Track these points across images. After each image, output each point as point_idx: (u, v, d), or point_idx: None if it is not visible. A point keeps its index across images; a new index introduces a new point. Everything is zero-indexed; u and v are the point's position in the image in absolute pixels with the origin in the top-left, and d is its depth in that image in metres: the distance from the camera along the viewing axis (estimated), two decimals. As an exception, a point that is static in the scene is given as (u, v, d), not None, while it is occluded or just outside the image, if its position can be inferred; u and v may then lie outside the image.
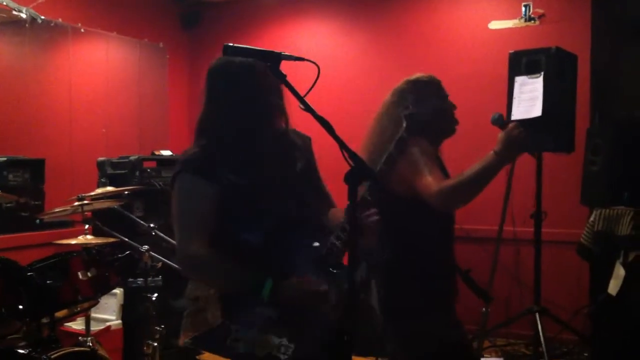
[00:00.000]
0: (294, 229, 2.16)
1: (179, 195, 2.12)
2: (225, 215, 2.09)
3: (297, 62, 1.94)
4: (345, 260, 2.08)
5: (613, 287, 3.89)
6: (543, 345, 4.08)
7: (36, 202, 4.69)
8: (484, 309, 4.29)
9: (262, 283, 2.00)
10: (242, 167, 2.12)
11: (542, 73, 4.17)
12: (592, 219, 4.10)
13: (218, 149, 2.13)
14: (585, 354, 4.68)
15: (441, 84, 2.90)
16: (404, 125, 2.20)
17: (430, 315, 2.56)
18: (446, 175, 2.64)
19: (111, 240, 3.56)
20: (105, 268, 3.20)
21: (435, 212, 2.50)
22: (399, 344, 2.58)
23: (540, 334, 4.12)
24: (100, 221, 3.69)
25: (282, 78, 1.91)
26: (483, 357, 4.79)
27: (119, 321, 4.39)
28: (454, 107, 2.83)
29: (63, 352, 2.87)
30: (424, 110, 2.33)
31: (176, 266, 3.79)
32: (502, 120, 2.54)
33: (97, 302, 3.33)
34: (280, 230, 2.13)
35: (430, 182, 2.47)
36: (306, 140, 2.35)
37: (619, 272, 3.89)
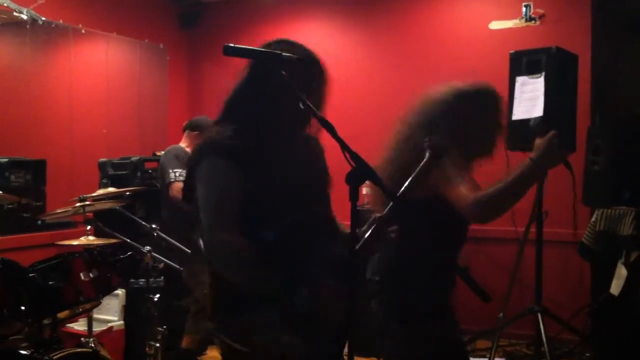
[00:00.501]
0: (313, 232, 2.13)
1: (212, 178, 2.03)
2: (248, 208, 2.02)
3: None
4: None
5: (615, 287, 3.89)
6: (545, 345, 4.08)
7: (38, 203, 4.70)
8: (500, 315, 4.28)
9: (290, 288, 1.95)
10: (273, 162, 2.07)
11: (543, 73, 4.17)
12: (593, 219, 4.10)
13: (252, 137, 2.05)
14: (587, 354, 4.67)
15: (493, 99, 2.65)
16: (427, 155, 2.14)
17: (437, 317, 2.54)
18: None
19: (113, 241, 3.57)
20: (107, 269, 3.20)
21: (454, 216, 2.39)
22: (404, 345, 2.57)
23: (542, 333, 4.12)
24: (102, 222, 3.70)
25: (282, 79, 1.91)
26: (484, 357, 4.79)
27: (121, 322, 4.39)
28: (499, 131, 2.61)
29: (65, 353, 2.87)
30: (455, 142, 2.26)
31: (177, 266, 3.82)
32: (542, 125, 2.41)
33: (99, 303, 3.33)
34: (299, 232, 2.08)
35: (464, 192, 2.30)
36: (322, 148, 2.31)
37: (621, 272, 3.89)
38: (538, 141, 2.39)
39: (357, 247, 2.02)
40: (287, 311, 1.96)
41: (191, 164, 2.10)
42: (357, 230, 1.94)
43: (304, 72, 2.08)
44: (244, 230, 2.00)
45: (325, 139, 1.99)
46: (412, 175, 2.14)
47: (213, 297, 2.13)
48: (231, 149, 2.02)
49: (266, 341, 1.97)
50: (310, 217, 2.14)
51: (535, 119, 2.43)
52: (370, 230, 2.08)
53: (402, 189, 2.12)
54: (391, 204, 2.02)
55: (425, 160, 2.16)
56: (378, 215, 2.10)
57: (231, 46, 1.90)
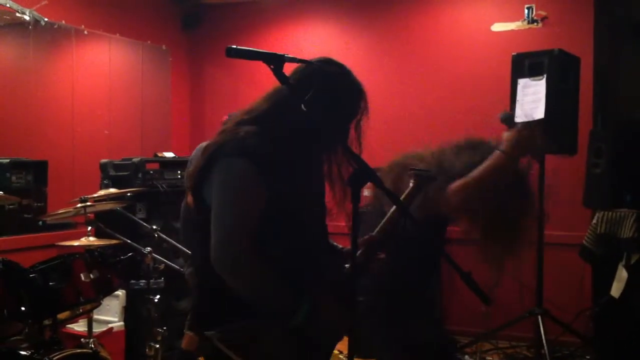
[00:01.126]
0: (321, 249, 2.11)
1: (233, 184, 1.90)
2: (263, 220, 1.91)
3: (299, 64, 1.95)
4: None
5: (616, 290, 3.89)
6: (545, 348, 4.08)
7: (39, 204, 4.70)
8: (483, 309, 4.27)
9: (299, 305, 1.89)
10: (294, 176, 1.98)
11: (545, 75, 4.18)
12: (594, 221, 4.10)
13: (284, 148, 1.95)
14: (588, 357, 4.67)
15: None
16: (411, 184, 2.21)
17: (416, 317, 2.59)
18: None
19: (114, 242, 3.57)
20: (108, 270, 3.21)
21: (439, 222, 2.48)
22: (389, 348, 2.61)
23: (543, 336, 4.12)
24: (103, 223, 3.69)
25: (285, 80, 1.91)
26: (486, 359, 4.79)
27: (121, 323, 4.39)
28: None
29: (65, 353, 2.87)
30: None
31: (178, 267, 3.82)
32: (512, 119, 2.53)
33: (100, 304, 3.33)
34: (309, 249, 2.03)
35: (444, 187, 2.45)
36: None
37: (622, 274, 3.89)
38: (506, 133, 2.48)
39: (349, 267, 2.05)
40: (288, 324, 1.91)
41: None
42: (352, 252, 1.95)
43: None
44: (258, 240, 1.90)
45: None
46: (398, 200, 2.16)
47: (211, 302, 2.04)
48: (261, 154, 1.90)
49: (266, 352, 1.93)
50: (319, 236, 2.12)
51: (504, 113, 2.54)
52: (360, 251, 2.07)
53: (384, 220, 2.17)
54: (381, 224, 2.02)
55: (409, 189, 2.23)
56: (370, 236, 2.13)
57: (234, 48, 1.89)
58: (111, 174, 4.77)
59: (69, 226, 4.78)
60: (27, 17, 4.93)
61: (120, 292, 4.33)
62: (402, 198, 2.19)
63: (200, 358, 2.10)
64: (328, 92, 1.99)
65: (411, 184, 2.24)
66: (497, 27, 5.44)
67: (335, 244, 2.26)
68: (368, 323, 2.56)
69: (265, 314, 1.91)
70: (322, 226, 2.16)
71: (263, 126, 1.97)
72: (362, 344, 2.53)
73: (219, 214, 1.90)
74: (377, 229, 2.15)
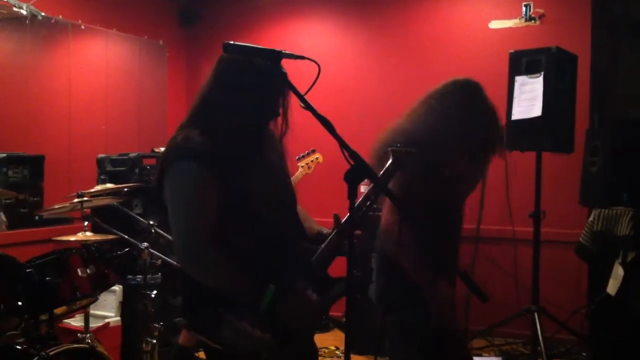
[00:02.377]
0: (286, 236, 2.14)
1: (183, 185, 1.99)
2: (221, 215, 2.00)
3: (297, 60, 1.94)
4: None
5: (612, 287, 3.90)
6: (541, 345, 4.09)
7: (35, 199, 4.70)
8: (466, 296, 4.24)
9: (264, 291, 1.94)
10: (242, 167, 2.05)
11: (542, 73, 4.18)
12: (591, 219, 4.11)
13: (222, 142, 2.01)
14: (584, 354, 4.69)
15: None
16: (390, 161, 2.23)
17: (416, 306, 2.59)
18: None
19: (110, 237, 3.56)
20: (105, 265, 3.20)
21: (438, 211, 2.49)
22: (395, 337, 2.62)
23: (539, 333, 4.13)
24: (100, 218, 3.68)
25: (283, 76, 1.91)
26: (481, 356, 4.80)
27: (118, 318, 4.39)
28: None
29: (62, 348, 2.87)
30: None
31: (175, 263, 3.81)
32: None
33: (96, 299, 3.32)
34: (272, 237, 2.09)
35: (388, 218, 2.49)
36: (285, 152, 2.29)
37: (618, 272, 3.89)
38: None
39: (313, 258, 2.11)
40: (258, 311, 1.96)
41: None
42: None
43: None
44: (217, 236, 1.97)
45: (324, 137, 1.99)
46: (377, 178, 2.17)
47: (184, 292, 2.12)
48: (204, 155, 1.99)
49: (236, 337, 1.97)
50: (282, 223, 2.15)
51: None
52: (326, 242, 2.13)
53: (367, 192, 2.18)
54: (347, 216, 2.03)
55: (387, 165, 2.23)
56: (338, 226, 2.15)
57: (231, 43, 1.90)
58: (108, 169, 4.77)
59: (65, 221, 4.78)
60: (24, 12, 4.91)
61: (116, 288, 4.33)
62: (380, 174, 2.20)
63: (199, 353, 2.13)
64: (236, 79, 2.06)
65: (390, 161, 2.24)
66: (495, 24, 5.44)
67: (320, 228, 2.30)
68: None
69: (235, 302, 1.97)
70: (288, 213, 2.21)
71: (199, 126, 2.07)
72: (358, 341, 2.54)
73: (174, 217, 2.00)
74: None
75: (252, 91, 2.06)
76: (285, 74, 1.94)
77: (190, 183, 1.99)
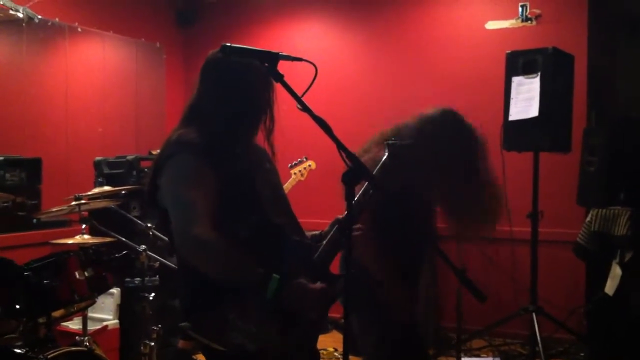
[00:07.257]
0: (283, 225, 2.16)
1: (181, 176, 2.03)
2: (220, 205, 2.02)
3: (294, 62, 1.95)
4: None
5: (609, 287, 3.91)
6: (539, 345, 4.09)
7: (33, 202, 4.69)
8: (457, 289, 4.22)
9: (268, 279, 1.93)
10: (237, 159, 2.10)
11: (539, 73, 4.19)
12: (588, 219, 4.11)
13: (217, 136, 2.09)
14: (582, 354, 4.69)
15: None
16: (385, 154, 2.23)
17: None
18: None
19: (108, 239, 3.56)
20: (102, 268, 3.20)
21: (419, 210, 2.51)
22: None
23: (537, 333, 4.13)
24: (97, 221, 3.69)
25: (280, 78, 1.91)
26: (479, 356, 4.80)
27: (116, 321, 4.38)
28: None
29: (60, 351, 2.86)
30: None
31: (173, 265, 3.81)
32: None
33: (94, 302, 3.32)
34: (270, 226, 2.11)
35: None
36: (269, 155, 2.33)
37: (616, 271, 3.90)
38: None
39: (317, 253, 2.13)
40: (261, 306, 1.96)
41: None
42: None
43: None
44: (217, 227, 1.99)
45: (321, 138, 1.99)
46: (374, 172, 2.20)
47: (185, 296, 2.12)
48: (199, 147, 2.04)
49: (242, 338, 1.97)
50: (279, 214, 2.17)
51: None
52: (327, 239, 2.15)
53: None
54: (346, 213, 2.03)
55: (383, 159, 2.24)
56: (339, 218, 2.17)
57: (229, 45, 1.90)
58: (105, 172, 4.77)
59: (63, 224, 4.78)
60: (20, 15, 4.91)
61: (114, 290, 4.33)
62: (376, 169, 2.20)
63: (199, 355, 2.13)
64: (222, 81, 2.15)
65: (385, 155, 2.26)
66: (491, 25, 5.44)
67: (313, 232, 2.33)
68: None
69: (241, 297, 1.97)
70: (283, 206, 2.24)
71: (191, 125, 2.13)
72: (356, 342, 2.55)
73: (175, 208, 2.02)
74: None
75: (240, 90, 2.13)
76: (282, 76, 1.94)
77: (189, 173, 2.03)
